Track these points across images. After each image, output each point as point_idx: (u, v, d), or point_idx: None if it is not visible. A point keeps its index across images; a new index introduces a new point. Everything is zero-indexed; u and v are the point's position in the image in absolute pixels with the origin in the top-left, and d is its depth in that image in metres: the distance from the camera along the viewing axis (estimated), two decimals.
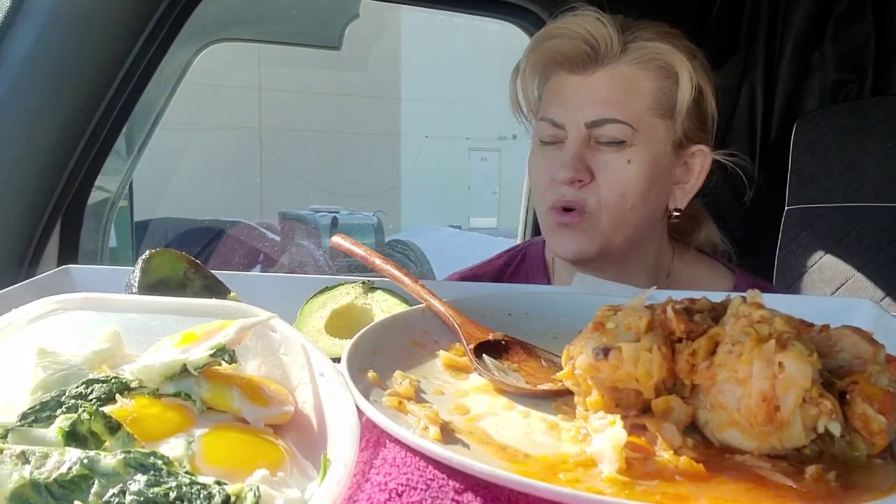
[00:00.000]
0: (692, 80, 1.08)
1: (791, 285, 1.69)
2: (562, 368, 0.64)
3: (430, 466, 0.51)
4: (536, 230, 1.80)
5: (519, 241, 1.84)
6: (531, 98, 1.20)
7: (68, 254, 1.33)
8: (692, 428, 0.58)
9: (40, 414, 0.50)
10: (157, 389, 0.53)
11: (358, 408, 0.54)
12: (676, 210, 1.17)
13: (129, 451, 0.45)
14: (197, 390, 0.53)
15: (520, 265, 1.32)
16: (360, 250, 0.89)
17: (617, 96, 1.09)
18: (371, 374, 0.62)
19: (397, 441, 0.53)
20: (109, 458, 0.44)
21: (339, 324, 0.80)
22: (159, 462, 0.45)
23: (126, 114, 1.32)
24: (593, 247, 1.11)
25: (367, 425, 0.55)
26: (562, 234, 1.12)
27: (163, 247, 0.81)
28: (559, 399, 0.65)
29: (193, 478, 0.45)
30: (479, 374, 0.68)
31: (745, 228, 1.88)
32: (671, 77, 1.10)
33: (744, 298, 0.60)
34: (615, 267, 1.14)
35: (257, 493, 0.44)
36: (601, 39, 1.09)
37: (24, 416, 0.49)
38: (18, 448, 0.44)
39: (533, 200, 1.19)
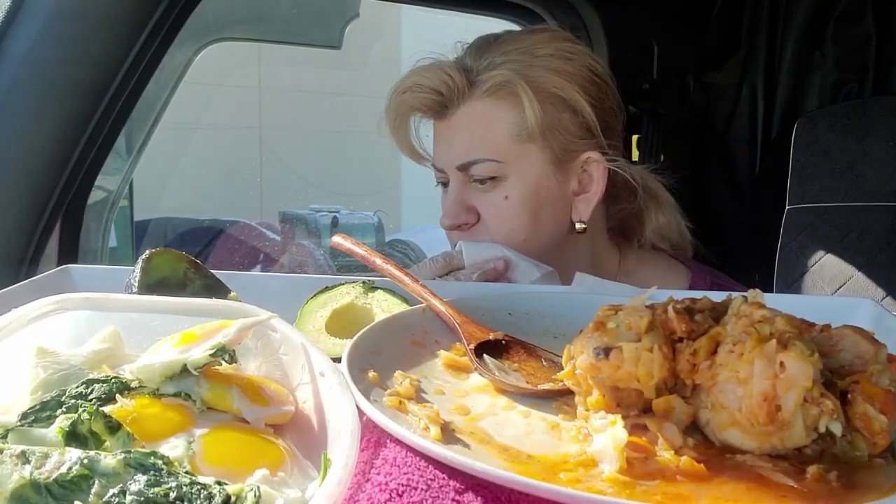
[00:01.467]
0: (534, 102, 1.05)
1: (792, 285, 1.68)
2: (562, 368, 0.64)
3: (430, 466, 0.51)
4: None
5: None
6: (414, 146, 1.20)
7: (68, 253, 1.33)
8: (693, 428, 0.58)
9: (40, 414, 0.50)
10: (158, 389, 0.53)
11: (358, 408, 0.54)
12: (580, 222, 1.14)
13: (130, 451, 0.45)
14: (197, 390, 0.53)
15: None
16: (360, 250, 0.89)
17: (476, 134, 1.09)
18: (371, 373, 0.62)
19: (398, 441, 0.53)
20: (109, 458, 0.44)
21: (339, 324, 0.80)
22: (159, 462, 0.45)
23: (126, 113, 1.32)
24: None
25: (367, 425, 0.55)
26: None
27: (163, 246, 0.81)
28: (560, 399, 0.65)
29: (194, 478, 0.45)
30: (480, 374, 0.68)
31: (746, 228, 1.88)
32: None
33: (745, 298, 0.60)
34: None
35: (257, 493, 0.44)
36: (442, 84, 1.09)
37: (24, 416, 0.49)
38: (18, 448, 0.44)
39: None
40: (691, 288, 1.17)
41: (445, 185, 1.15)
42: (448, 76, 1.09)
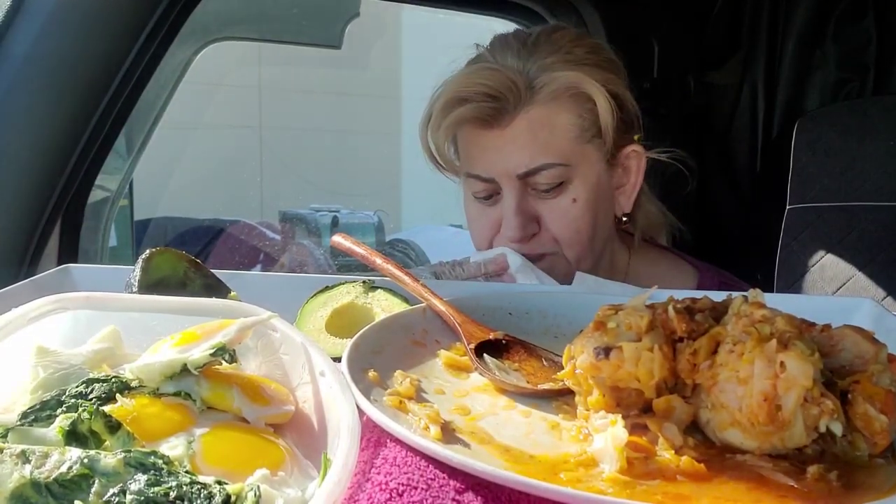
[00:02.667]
0: (608, 98, 1.04)
1: (792, 285, 1.68)
2: (563, 368, 0.64)
3: (430, 466, 0.51)
4: None
5: None
6: (446, 154, 1.15)
7: (68, 253, 1.33)
8: (693, 427, 0.58)
9: (40, 413, 0.50)
10: (158, 389, 0.53)
11: (358, 407, 0.54)
12: (624, 215, 1.14)
13: (130, 451, 0.45)
14: (197, 390, 0.53)
15: None
16: (360, 249, 0.89)
17: (541, 140, 1.05)
18: (372, 373, 0.62)
19: (398, 440, 0.53)
20: (109, 458, 0.44)
21: (339, 323, 0.80)
22: (159, 461, 0.45)
23: (126, 113, 1.32)
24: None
25: (367, 425, 0.55)
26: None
27: (163, 246, 0.81)
28: (560, 398, 0.65)
29: (194, 477, 0.45)
30: (480, 374, 0.68)
31: (746, 228, 1.88)
32: (588, 101, 1.05)
33: (745, 298, 0.60)
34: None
35: (258, 493, 0.44)
36: (506, 90, 1.04)
37: (24, 415, 0.49)
38: (19, 447, 0.44)
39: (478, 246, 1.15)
40: (699, 288, 1.17)
41: (488, 197, 1.10)
42: (511, 81, 1.04)
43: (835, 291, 1.63)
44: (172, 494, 0.42)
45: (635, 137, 1.14)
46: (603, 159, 1.09)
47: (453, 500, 0.48)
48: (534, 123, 1.05)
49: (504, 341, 0.73)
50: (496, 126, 1.06)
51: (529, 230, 1.08)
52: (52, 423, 0.48)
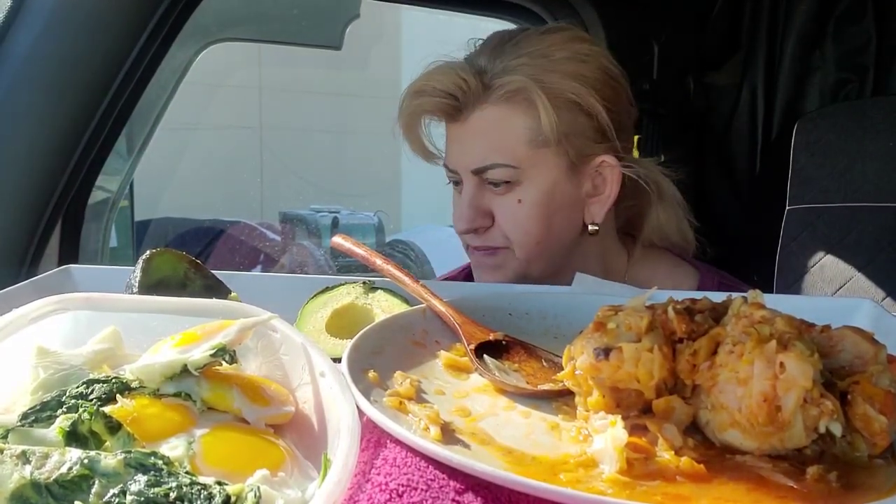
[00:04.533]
0: (550, 110, 1.04)
1: (792, 285, 1.68)
2: (562, 368, 0.64)
3: (430, 467, 0.51)
4: None
5: None
6: (427, 147, 1.19)
7: (69, 254, 1.33)
8: (693, 428, 0.58)
9: (41, 414, 0.50)
10: (158, 389, 0.53)
11: (358, 408, 0.54)
12: (593, 224, 1.13)
13: (130, 452, 0.45)
14: (197, 390, 0.53)
15: None
16: (360, 250, 0.89)
17: (492, 139, 1.08)
18: (372, 374, 0.62)
19: (398, 441, 0.53)
20: (110, 459, 0.44)
21: (339, 324, 0.80)
22: (160, 462, 0.45)
23: (126, 113, 1.32)
24: (511, 278, 1.12)
25: (367, 425, 0.55)
26: (482, 269, 1.15)
27: (163, 247, 0.81)
28: (560, 399, 0.65)
29: (194, 478, 0.45)
30: (480, 375, 0.68)
31: (746, 229, 1.88)
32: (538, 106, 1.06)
33: (745, 299, 0.60)
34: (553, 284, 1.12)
35: (258, 494, 0.44)
36: (457, 89, 1.07)
37: (24, 416, 0.49)
38: (19, 448, 0.44)
39: None
40: (700, 289, 1.16)
41: (458, 184, 1.14)
42: (462, 80, 1.07)
43: (834, 292, 1.63)
44: (172, 495, 0.42)
45: (620, 146, 1.13)
46: (562, 167, 1.09)
47: (453, 500, 0.48)
48: (486, 122, 1.08)
49: (504, 342, 0.73)
50: (456, 120, 1.11)
51: (480, 223, 1.11)
52: (52, 423, 0.48)
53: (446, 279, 1.37)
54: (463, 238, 1.16)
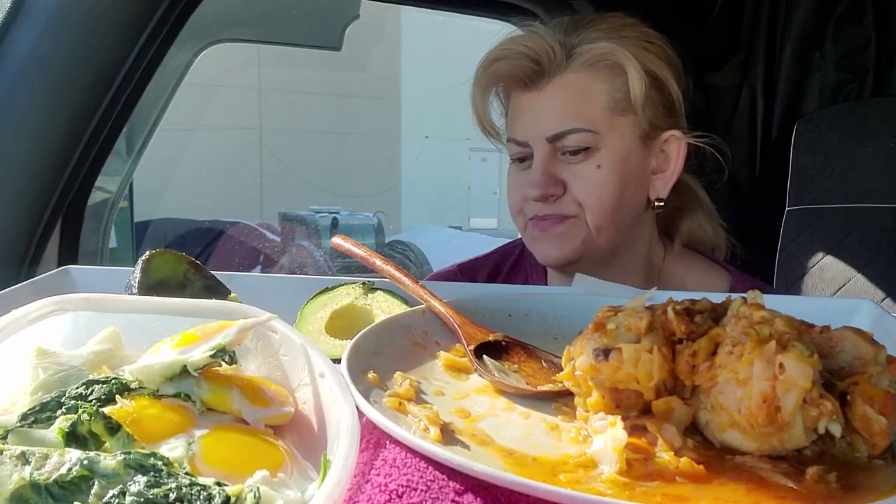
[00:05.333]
0: (641, 73, 1.07)
1: (791, 286, 1.69)
2: (562, 369, 0.64)
3: (430, 467, 0.51)
4: None
5: None
6: (492, 120, 1.21)
7: (68, 254, 1.33)
8: (693, 429, 0.58)
9: (40, 415, 0.50)
10: (157, 390, 0.53)
11: (358, 409, 0.54)
12: (658, 200, 1.16)
13: (129, 452, 0.45)
14: (197, 391, 0.53)
15: (518, 261, 1.32)
16: (360, 251, 0.89)
17: (572, 105, 1.09)
18: (371, 374, 0.62)
19: (397, 442, 0.53)
20: (109, 459, 0.44)
21: (339, 324, 0.80)
22: (159, 463, 0.45)
23: (126, 114, 1.32)
24: (577, 249, 1.12)
25: (367, 426, 0.55)
26: (544, 241, 1.14)
27: (163, 247, 0.81)
28: (559, 400, 0.65)
29: (193, 479, 0.45)
30: (480, 375, 0.68)
31: (746, 229, 1.88)
32: (622, 73, 1.09)
33: (744, 299, 0.60)
34: (603, 267, 1.14)
35: (257, 494, 0.44)
36: (543, 53, 1.09)
37: (24, 416, 0.49)
38: (18, 449, 0.44)
39: (512, 217, 1.21)
40: (732, 292, 1.18)
41: (523, 160, 1.15)
42: (549, 45, 1.09)
43: (834, 293, 1.63)
44: (172, 496, 0.42)
45: (678, 126, 1.16)
46: (636, 136, 1.12)
47: (453, 501, 0.48)
48: (567, 89, 1.10)
49: (504, 343, 0.73)
50: (533, 88, 1.12)
51: (552, 191, 1.11)
52: (51, 424, 0.48)
53: (439, 275, 1.38)
54: (526, 210, 1.15)
